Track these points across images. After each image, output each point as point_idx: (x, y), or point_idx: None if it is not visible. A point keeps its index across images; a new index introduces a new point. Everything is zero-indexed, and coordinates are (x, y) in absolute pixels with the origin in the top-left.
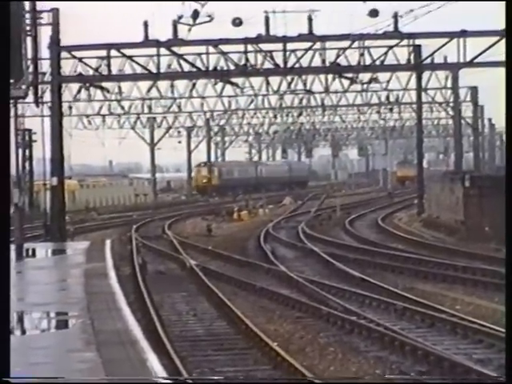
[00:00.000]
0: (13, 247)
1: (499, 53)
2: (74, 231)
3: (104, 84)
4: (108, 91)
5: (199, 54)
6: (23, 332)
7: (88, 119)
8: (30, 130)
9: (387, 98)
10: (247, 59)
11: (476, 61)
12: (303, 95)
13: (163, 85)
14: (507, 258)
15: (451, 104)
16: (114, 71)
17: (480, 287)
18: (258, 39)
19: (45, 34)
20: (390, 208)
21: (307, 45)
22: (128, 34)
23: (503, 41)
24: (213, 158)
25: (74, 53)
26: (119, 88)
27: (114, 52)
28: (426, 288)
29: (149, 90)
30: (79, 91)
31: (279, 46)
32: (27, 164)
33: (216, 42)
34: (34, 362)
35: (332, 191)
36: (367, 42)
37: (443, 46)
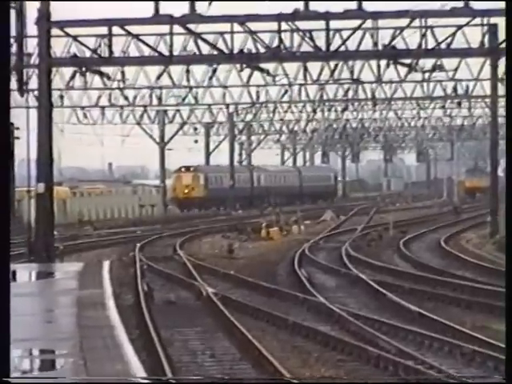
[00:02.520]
0: None
1: None
2: (65, 250)
3: (104, 69)
4: (109, 78)
5: (221, 34)
6: None
7: (84, 112)
8: (11, 125)
9: (454, 89)
10: (281, 40)
11: None
12: (349, 85)
13: (177, 71)
14: (507, 257)
15: None
16: (117, 53)
17: None
18: (294, 16)
19: (32, 6)
20: (456, 226)
21: (355, 23)
22: (134, 8)
23: None
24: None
25: (67, 30)
26: (122, 74)
27: (116, 29)
28: (501, 328)
29: (159, 77)
30: (73, 77)
31: (321, 24)
32: None
33: (242, 19)
34: None
35: (384, 205)
36: (430, 21)
37: None
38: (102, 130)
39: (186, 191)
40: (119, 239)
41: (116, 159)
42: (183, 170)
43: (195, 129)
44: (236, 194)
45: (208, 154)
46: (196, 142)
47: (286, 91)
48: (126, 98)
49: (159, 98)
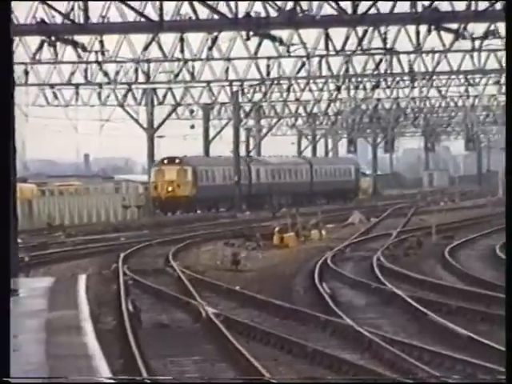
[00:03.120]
0: None
1: None
2: (31, 261)
3: (78, 38)
4: (84, 49)
5: None
6: None
7: (53, 91)
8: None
9: None
10: (296, 1)
11: None
12: (382, 56)
13: (168, 40)
14: (507, 257)
15: None
16: (94, 19)
17: None
18: None
19: None
20: None
21: None
22: None
23: None
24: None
25: None
26: (101, 44)
27: None
28: None
29: (146, 48)
30: (40, 48)
31: None
32: None
33: None
34: None
35: (424, 204)
36: None
37: None
38: (76, 113)
39: (170, 189)
40: (98, 248)
41: (94, 150)
42: (166, 162)
43: (191, 111)
44: (228, 192)
45: (207, 142)
46: (192, 127)
47: (303, 64)
48: (106, 75)
49: (147, 74)
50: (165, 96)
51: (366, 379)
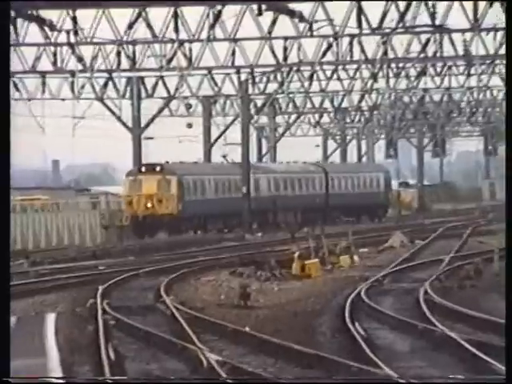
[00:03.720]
0: None
1: None
2: None
3: (45, 13)
4: (53, 27)
5: None
6: None
7: (13, 80)
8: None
9: None
10: None
11: None
12: (429, 36)
13: (159, 15)
14: (507, 256)
15: None
16: None
17: None
18: None
19: None
20: None
21: None
22: None
23: None
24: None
25: None
26: (74, 21)
27: None
28: None
29: (131, 27)
30: None
31: None
32: None
33: None
34: None
35: (485, 222)
36: None
37: None
38: (42, 108)
39: (149, 205)
40: (71, 279)
41: (65, 154)
42: (144, 170)
43: (189, 106)
44: (224, 208)
45: (209, 145)
46: (190, 126)
47: (329, 46)
48: (81, 60)
49: (132, 59)
50: (155, 87)
51: (366, 379)
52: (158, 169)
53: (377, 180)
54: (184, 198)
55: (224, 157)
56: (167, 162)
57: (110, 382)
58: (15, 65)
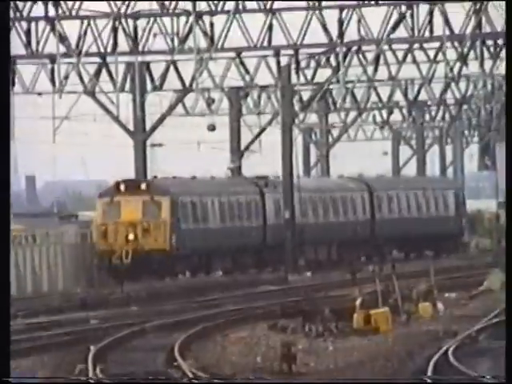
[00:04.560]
0: None
1: None
2: None
3: None
4: None
5: None
6: None
7: None
8: None
9: None
10: None
11: None
12: None
13: None
14: (507, 256)
15: None
16: None
17: None
18: None
19: None
20: None
21: None
22: None
23: None
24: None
25: None
26: None
27: None
28: None
29: None
30: None
31: None
32: None
33: None
34: None
35: None
36: None
37: None
38: (12, 106)
39: (131, 237)
40: (53, 338)
41: (43, 169)
42: (123, 188)
43: (210, 101)
44: (231, 241)
45: (240, 153)
46: (212, 129)
47: (401, 18)
48: (64, 40)
49: (133, 39)
50: (164, 76)
51: (365, 379)
52: (143, 186)
53: (445, 200)
54: (180, 227)
55: (231, 169)
56: (155, 177)
57: (110, 382)
58: None
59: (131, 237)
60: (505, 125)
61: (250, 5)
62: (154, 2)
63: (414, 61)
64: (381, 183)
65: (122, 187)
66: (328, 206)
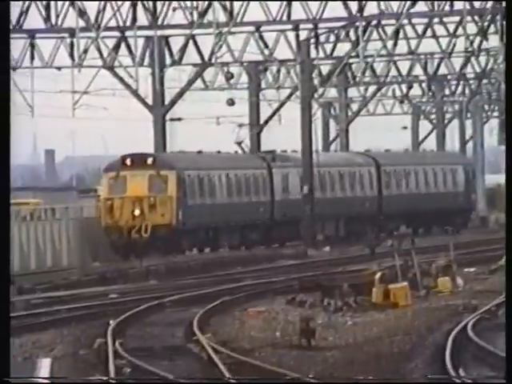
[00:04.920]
0: None
1: None
2: None
3: None
4: None
5: None
6: None
7: None
8: None
9: None
10: None
11: None
12: None
13: None
14: (507, 256)
15: None
16: None
17: None
18: None
19: None
20: None
21: None
22: None
23: None
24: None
25: None
26: None
27: None
28: None
29: None
30: None
31: None
32: None
33: None
34: None
35: None
36: None
37: None
38: (30, 80)
39: (137, 213)
40: (72, 312)
41: (62, 143)
42: (129, 162)
43: (230, 76)
44: (239, 216)
45: (258, 128)
46: (231, 103)
47: None
48: (83, 14)
49: (152, 13)
50: (183, 50)
51: (365, 379)
52: (149, 161)
53: (454, 175)
54: (186, 203)
55: (239, 144)
56: (163, 154)
57: (110, 382)
58: None
59: (137, 212)
60: (505, 124)
61: None
62: None
63: (434, 35)
64: (387, 158)
65: (128, 161)
66: (335, 182)
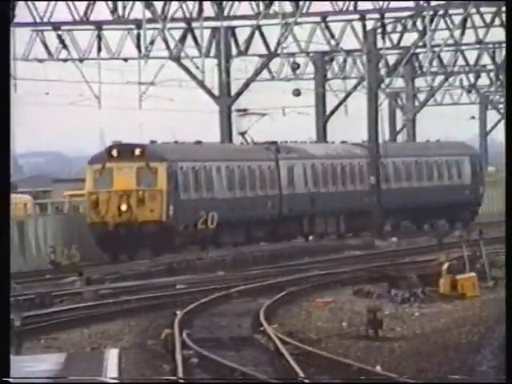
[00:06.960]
0: None
1: None
2: (25, 327)
3: None
4: None
5: None
6: None
7: (59, 33)
8: None
9: None
10: None
11: None
12: None
13: None
14: (507, 256)
15: None
16: None
17: None
18: None
19: None
20: None
21: None
22: None
23: None
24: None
25: None
26: None
27: None
28: None
29: None
30: None
31: None
32: None
33: None
34: None
35: None
36: None
37: None
38: (98, 71)
39: (124, 208)
40: (139, 302)
41: (129, 134)
42: (115, 153)
43: (296, 67)
44: (240, 212)
45: (324, 118)
46: (297, 94)
47: None
48: (149, 6)
49: (218, 4)
50: (249, 41)
51: (366, 379)
52: (137, 152)
53: (459, 167)
54: (178, 197)
55: (242, 134)
56: (152, 143)
57: (110, 382)
58: (61, 14)
59: (124, 207)
60: (504, 125)
61: None
62: None
63: (502, 24)
64: (385, 149)
65: (115, 152)
66: (336, 174)
